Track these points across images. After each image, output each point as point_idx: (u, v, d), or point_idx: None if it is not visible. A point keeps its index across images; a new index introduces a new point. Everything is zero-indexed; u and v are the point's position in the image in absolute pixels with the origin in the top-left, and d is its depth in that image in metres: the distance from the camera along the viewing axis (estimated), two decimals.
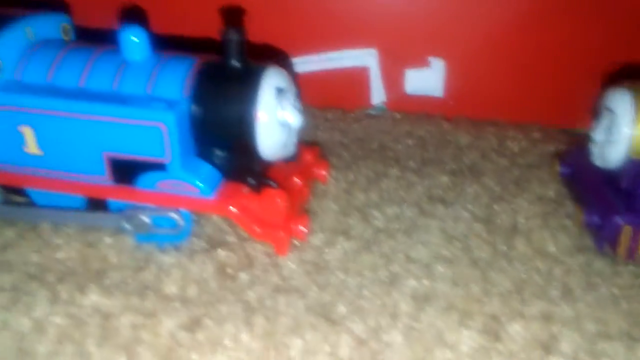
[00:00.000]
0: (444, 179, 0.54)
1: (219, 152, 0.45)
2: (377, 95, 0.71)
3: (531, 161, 0.58)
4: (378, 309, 0.39)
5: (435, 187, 0.53)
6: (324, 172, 0.52)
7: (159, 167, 0.43)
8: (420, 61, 0.68)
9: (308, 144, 0.54)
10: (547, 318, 0.39)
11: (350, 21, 0.67)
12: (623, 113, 0.43)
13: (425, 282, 0.41)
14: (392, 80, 0.70)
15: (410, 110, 0.70)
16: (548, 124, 0.68)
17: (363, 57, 0.69)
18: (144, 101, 0.42)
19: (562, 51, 0.66)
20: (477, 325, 0.38)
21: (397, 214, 0.49)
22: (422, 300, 0.40)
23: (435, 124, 0.65)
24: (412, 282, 0.41)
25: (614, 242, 0.43)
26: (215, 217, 0.48)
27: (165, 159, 0.42)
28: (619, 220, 0.42)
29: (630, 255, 0.43)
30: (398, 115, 0.68)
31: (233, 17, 0.63)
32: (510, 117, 0.68)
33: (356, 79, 0.70)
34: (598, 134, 0.45)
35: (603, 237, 0.44)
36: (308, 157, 0.51)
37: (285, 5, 0.66)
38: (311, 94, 0.63)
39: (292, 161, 0.48)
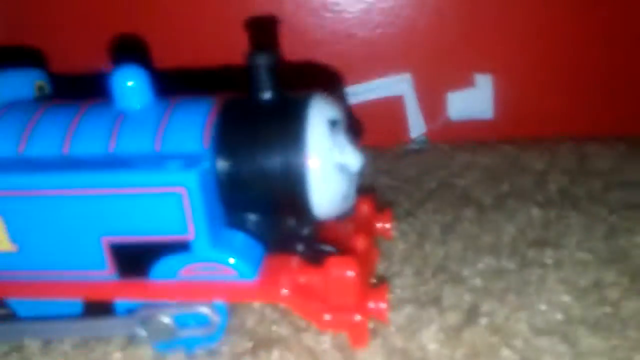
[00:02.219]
0: (536, 214, 0.42)
1: (255, 217, 0.34)
2: (416, 126, 0.61)
3: (631, 178, 0.47)
4: None
5: (530, 226, 0.41)
6: (387, 225, 0.40)
7: (179, 247, 0.31)
8: (463, 80, 0.58)
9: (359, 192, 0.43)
10: None
11: (377, 44, 0.57)
12: None
13: None
14: (432, 106, 0.60)
15: (456, 139, 0.59)
16: (623, 133, 0.57)
17: (395, 85, 0.59)
18: (153, 161, 0.30)
19: (624, 49, 0.56)
20: None
21: (495, 267, 0.37)
22: None
23: (497, 151, 0.54)
24: None
25: None
26: (256, 304, 0.36)
27: (188, 236, 0.31)
28: None
29: None
30: (446, 147, 0.58)
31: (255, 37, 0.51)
32: (579, 131, 0.58)
33: (389, 110, 0.60)
34: None
35: None
36: (364, 208, 0.40)
37: (299, 32, 0.56)
38: None
39: (348, 216, 0.37)
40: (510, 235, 0.40)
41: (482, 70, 0.58)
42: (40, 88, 0.39)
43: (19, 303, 0.35)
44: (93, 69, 0.41)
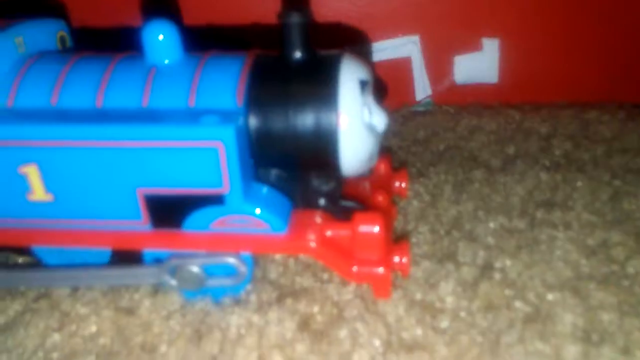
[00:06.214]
0: (544, 177, 0.44)
1: (281, 172, 0.35)
2: (422, 88, 0.61)
3: (631, 145, 0.49)
4: None
5: (537, 188, 0.43)
6: (404, 184, 0.42)
7: (214, 200, 0.32)
8: (470, 44, 0.59)
9: None
10: None
11: (386, 6, 0.58)
12: None
13: (585, 315, 0.31)
14: (438, 69, 0.60)
15: (460, 102, 0.61)
16: (623, 99, 0.59)
17: (403, 47, 0.60)
18: (189, 116, 0.31)
19: (627, 21, 0.57)
20: None
21: (506, 226, 0.39)
22: (591, 342, 0.30)
23: (502, 115, 0.55)
24: (567, 317, 0.31)
25: None
26: (279, 256, 0.38)
27: (223, 189, 0.32)
28: None
29: None
30: (451, 109, 0.59)
31: None
32: (581, 97, 0.59)
33: (396, 72, 0.60)
34: None
35: None
36: (381, 167, 0.41)
37: None
38: None
39: (366, 174, 0.38)
40: (519, 197, 0.42)
41: (490, 34, 0.58)
42: (62, 38, 0.39)
43: (45, 251, 0.36)
44: (117, 24, 0.40)
